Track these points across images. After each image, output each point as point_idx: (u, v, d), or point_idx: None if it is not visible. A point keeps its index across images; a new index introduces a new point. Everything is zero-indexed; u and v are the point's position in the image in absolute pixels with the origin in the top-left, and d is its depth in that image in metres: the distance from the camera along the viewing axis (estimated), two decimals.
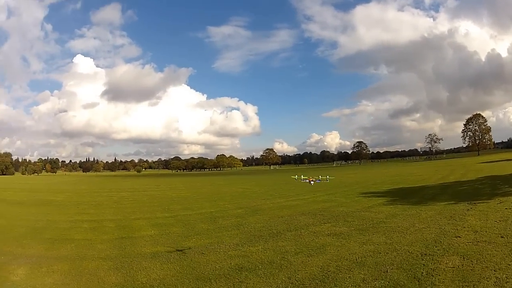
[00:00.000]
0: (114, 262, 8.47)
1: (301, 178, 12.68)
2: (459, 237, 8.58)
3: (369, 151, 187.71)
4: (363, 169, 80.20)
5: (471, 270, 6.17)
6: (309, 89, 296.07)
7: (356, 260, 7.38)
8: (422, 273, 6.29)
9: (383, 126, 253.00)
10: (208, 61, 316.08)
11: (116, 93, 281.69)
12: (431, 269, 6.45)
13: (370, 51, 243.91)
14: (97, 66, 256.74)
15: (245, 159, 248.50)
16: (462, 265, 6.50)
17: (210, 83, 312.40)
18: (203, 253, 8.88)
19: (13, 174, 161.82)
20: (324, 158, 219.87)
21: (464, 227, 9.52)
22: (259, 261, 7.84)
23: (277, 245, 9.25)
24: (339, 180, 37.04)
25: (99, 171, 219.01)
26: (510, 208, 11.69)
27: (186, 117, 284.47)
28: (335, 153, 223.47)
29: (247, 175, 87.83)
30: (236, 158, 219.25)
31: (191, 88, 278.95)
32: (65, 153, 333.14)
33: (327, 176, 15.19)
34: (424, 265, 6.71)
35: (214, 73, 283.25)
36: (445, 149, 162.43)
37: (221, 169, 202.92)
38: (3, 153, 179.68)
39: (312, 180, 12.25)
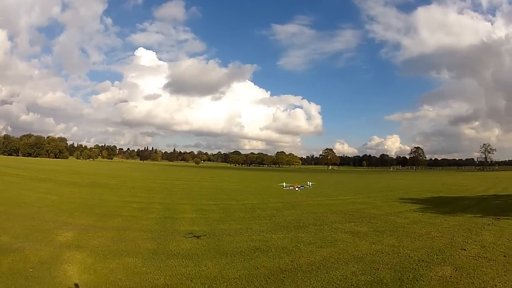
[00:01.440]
0: (153, 234, 10.28)
1: (283, 186, 13.68)
2: (464, 249, 8.91)
3: (425, 157, 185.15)
4: (415, 175, 79.20)
5: (456, 282, 6.59)
6: (372, 91, 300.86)
7: (357, 256, 8.28)
8: (409, 276, 6.87)
9: (443, 132, 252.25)
10: (272, 58, 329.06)
11: (179, 86, 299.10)
12: (419, 274, 6.98)
13: (432, 55, 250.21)
14: (160, 59, 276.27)
15: (305, 157, 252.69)
16: (451, 276, 6.91)
17: (274, 81, 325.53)
18: (230, 235, 10.43)
19: (67, 158, 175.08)
20: (383, 162, 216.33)
21: (474, 241, 9.91)
22: (274, 246, 9.14)
23: (296, 235, 10.49)
24: (386, 184, 39.87)
25: (157, 160, 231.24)
26: None
27: (249, 112, 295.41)
28: (394, 157, 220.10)
29: (302, 173, 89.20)
30: (295, 156, 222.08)
31: (255, 84, 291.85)
32: (123, 141, 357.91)
33: (309, 183, 15.91)
34: (415, 269, 7.28)
35: (278, 70, 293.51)
36: (500, 160, 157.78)
37: (280, 166, 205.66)
38: (58, 137, 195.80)
39: (297, 187, 13.33)
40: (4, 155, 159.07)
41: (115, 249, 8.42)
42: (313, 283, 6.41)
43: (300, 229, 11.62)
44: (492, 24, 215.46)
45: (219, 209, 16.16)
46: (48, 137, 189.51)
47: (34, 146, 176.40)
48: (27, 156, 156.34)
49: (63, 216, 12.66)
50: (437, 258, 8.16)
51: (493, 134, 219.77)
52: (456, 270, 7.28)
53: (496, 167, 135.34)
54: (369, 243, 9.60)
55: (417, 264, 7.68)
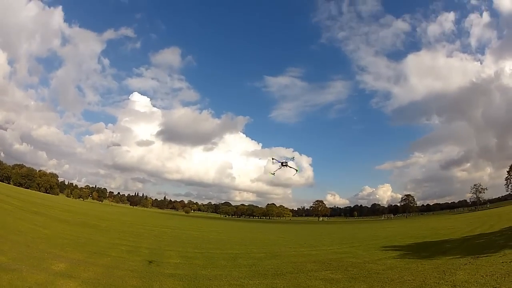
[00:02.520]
0: (138, 274, 11.11)
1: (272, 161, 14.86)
2: None
3: (416, 204, 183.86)
4: (405, 222, 78.28)
5: None
6: (363, 141, 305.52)
7: None
8: None
9: (434, 177, 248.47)
10: (264, 110, 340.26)
11: (171, 134, 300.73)
12: None
13: (422, 101, 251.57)
14: (154, 106, 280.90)
15: (296, 209, 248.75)
16: None
17: (265, 132, 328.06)
18: (210, 279, 11.27)
19: (58, 195, 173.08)
20: (374, 211, 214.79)
21: (446, 281, 10.02)
22: None
23: (272, 282, 11.24)
24: (372, 233, 40.37)
25: (147, 207, 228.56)
26: (506, 262, 11.74)
27: (240, 164, 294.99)
28: (386, 206, 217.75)
29: (291, 225, 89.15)
30: (286, 208, 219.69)
31: (246, 136, 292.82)
32: (114, 184, 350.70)
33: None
34: None
35: (270, 122, 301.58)
36: (494, 197, 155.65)
37: (270, 218, 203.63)
38: (49, 172, 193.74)
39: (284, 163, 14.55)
40: None
41: (104, 283, 9.27)
42: None
43: (277, 276, 12.33)
44: (481, 63, 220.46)
45: (203, 256, 16.88)
46: (39, 171, 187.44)
47: (25, 178, 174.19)
48: (18, 186, 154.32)
49: (55, 249, 13.41)
50: None
51: (486, 173, 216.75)
52: None
53: (488, 206, 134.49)
54: None
55: None
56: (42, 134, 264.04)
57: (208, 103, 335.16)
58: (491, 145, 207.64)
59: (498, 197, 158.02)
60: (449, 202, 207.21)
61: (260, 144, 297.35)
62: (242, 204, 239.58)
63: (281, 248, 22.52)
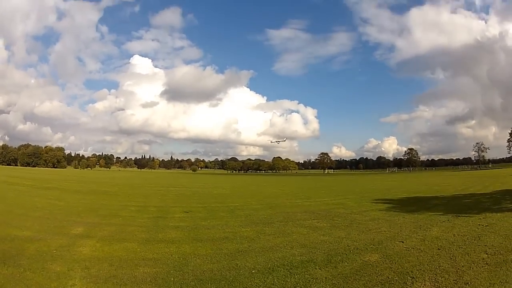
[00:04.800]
0: (146, 228, 12.87)
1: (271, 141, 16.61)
2: (402, 242, 9.89)
3: (419, 158, 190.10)
4: (406, 177, 79.86)
5: (376, 266, 7.72)
6: (367, 93, 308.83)
7: (304, 243, 10.28)
8: (337, 259, 8.38)
9: (439, 132, 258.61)
10: (268, 63, 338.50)
11: (175, 93, 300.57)
12: (347, 258, 8.44)
13: (427, 55, 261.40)
14: (156, 66, 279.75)
15: (302, 162, 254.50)
16: (375, 261, 8.09)
17: (270, 86, 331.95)
18: (208, 228, 13.01)
19: (65, 167, 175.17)
20: (380, 164, 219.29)
21: (418, 235, 10.76)
22: (239, 236, 11.62)
23: (261, 229, 12.88)
24: (370, 186, 41.57)
25: (155, 169, 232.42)
26: (482, 225, 11.90)
27: (246, 118, 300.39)
28: (391, 159, 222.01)
29: (295, 178, 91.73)
30: (292, 161, 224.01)
31: (251, 90, 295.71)
32: (120, 149, 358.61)
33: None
34: (346, 255, 8.79)
35: (274, 75, 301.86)
36: (498, 158, 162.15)
37: (276, 171, 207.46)
38: (56, 147, 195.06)
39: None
40: (3, 165, 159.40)
41: (118, 238, 11.03)
42: (258, 259, 8.72)
43: (267, 224, 13.99)
44: (486, 22, 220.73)
45: (205, 210, 18.69)
46: (46, 147, 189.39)
47: (32, 156, 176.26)
48: (26, 166, 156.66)
49: (73, 217, 15.11)
50: (371, 248, 9.35)
51: (490, 132, 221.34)
52: (383, 257, 8.32)
53: (490, 165, 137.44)
54: (320, 235, 11.59)
55: (350, 251, 9.02)
56: (45, 110, 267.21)
57: (210, 59, 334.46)
58: (496, 105, 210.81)
59: (502, 158, 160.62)
60: (454, 158, 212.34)
61: (265, 97, 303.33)
62: (249, 159, 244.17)
63: (278, 200, 24.31)
